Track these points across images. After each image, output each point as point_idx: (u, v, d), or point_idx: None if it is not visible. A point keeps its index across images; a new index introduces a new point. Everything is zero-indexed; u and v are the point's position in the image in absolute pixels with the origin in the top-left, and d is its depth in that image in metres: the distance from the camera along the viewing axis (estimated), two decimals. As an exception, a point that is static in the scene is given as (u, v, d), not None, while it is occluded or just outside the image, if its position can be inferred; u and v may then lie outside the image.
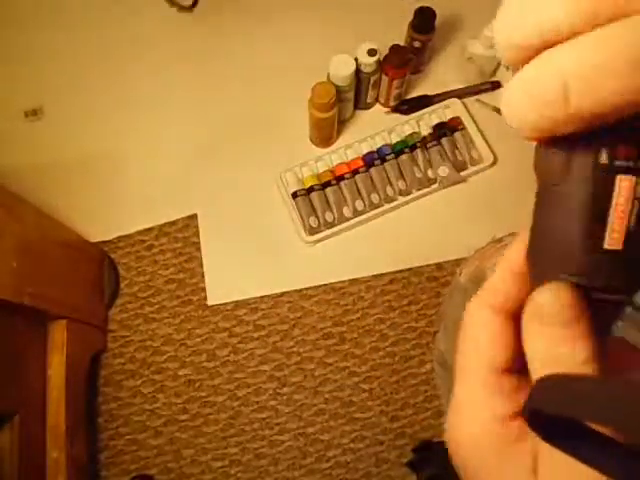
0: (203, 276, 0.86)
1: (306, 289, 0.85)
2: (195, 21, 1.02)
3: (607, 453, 0.17)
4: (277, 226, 0.87)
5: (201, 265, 0.87)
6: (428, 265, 0.86)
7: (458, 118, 0.90)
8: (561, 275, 0.18)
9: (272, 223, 0.87)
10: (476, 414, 0.20)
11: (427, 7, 0.83)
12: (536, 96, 0.15)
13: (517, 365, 0.20)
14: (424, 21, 0.84)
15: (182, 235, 0.89)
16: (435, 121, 0.90)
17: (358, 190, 0.86)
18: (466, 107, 0.91)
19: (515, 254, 0.20)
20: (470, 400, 0.21)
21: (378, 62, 0.82)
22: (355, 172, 0.86)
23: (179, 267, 0.87)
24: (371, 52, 0.81)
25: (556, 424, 0.17)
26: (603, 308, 0.18)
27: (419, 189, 0.87)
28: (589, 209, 0.16)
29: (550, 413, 0.17)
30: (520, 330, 0.19)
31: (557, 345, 0.18)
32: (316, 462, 0.79)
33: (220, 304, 0.85)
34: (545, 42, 0.14)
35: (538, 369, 0.18)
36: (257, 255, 0.87)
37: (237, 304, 0.85)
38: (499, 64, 0.91)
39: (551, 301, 0.18)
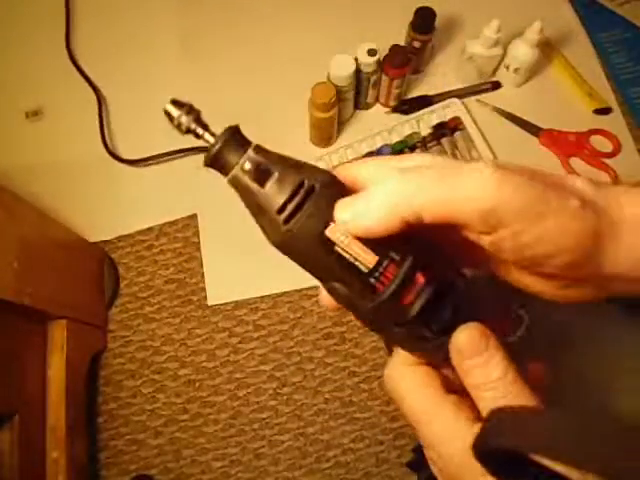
0: (203, 276, 0.86)
1: (306, 289, 0.85)
2: (194, 21, 1.02)
3: None
4: (277, 226, 0.87)
5: (201, 265, 0.87)
6: (428, 265, 0.86)
7: (458, 118, 0.90)
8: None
9: (272, 223, 0.87)
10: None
11: (427, 7, 0.83)
12: None
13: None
14: (424, 21, 0.84)
15: (182, 235, 0.89)
16: (435, 121, 0.90)
17: (358, 190, 0.86)
18: (466, 107, 0.91)
19: None
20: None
21: (378, 62, 0.82)
22: (355, 172, 0.86)
23: (179, 267, 0.87)
24: (371, 52, 0.81)
25: (505, 460, 0.18)
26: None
27: (419, 189, 0.87)
28: None
29: (498, 449, 0.17)
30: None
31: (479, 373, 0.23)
32: (316, 462, 0.79)
33: (220, 304, 0.85)
34: None
35: (479, 397, 0.23)
36: (257, 255, 0.86)
37: (237, 304, 0.85)
38: (499, 64, 0.91)
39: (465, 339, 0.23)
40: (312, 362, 0.82)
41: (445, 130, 0.89)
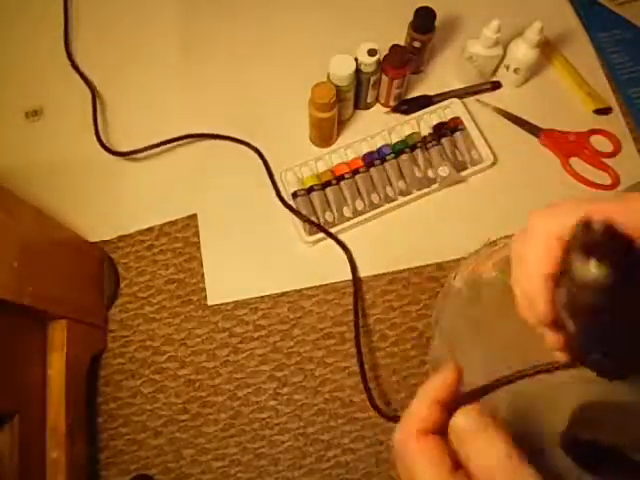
0: (203, 276, 0.86)
1: (306, 289, 0.85)
2: (194, 21, 1.02)
3: None
4: (277, 226, 0.87)
5: (201, 265, 0.87)
6: (428, 265, 0.86)
7: (458, 118, 0.90)
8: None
9: (272, 223, 0.87)
10: None
11: (427, 7, 0.84)
12: None
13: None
14: (424, 21, 0.84)
15: (182, 235, 0.89)
16: (435, 121, 0.90)
17: (358, 190, 0.86)
18: (466, 107, 0.91)
19: (439, 385, 0.27)
20: None
21: (378, 62, 0.82)
22: (355, 172, 0.86)
23: (179, 267, 0.87)
24: (371, 52, 0.81)
25: (593, 452, 0.18)
26: None
27: (419, 189, 0.87)
28: None
29: (587, 441, 0.17)
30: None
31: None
32: (316, 462, 0.79)
33: (220, 304, 0.85)
34: None
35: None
36: (257, 255, 0.86)
37: (237, 304, 0.85)
38: (499, 64, 0.92)
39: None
40: (312, 362, 0.82)
41: (445, 130, 0.89)
